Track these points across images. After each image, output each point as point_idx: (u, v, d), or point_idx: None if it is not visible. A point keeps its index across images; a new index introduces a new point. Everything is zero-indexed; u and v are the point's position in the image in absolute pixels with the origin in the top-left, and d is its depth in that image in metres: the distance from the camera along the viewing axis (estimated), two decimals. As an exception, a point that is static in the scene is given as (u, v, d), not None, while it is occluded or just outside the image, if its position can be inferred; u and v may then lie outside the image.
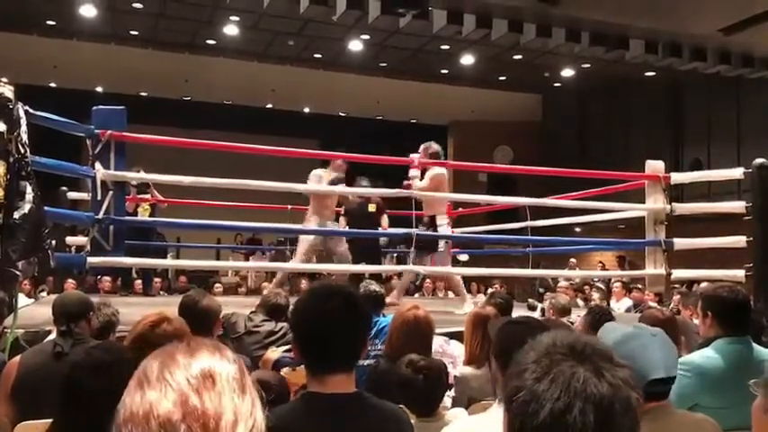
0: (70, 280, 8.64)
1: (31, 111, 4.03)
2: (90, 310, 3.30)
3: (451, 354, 3.80)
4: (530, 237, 8.32)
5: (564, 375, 0.95)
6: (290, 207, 9.14)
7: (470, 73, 16.25)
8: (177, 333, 2.69)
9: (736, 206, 6.30)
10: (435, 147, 6.75)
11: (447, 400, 3.09)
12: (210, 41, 14.83)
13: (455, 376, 3.37)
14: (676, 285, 8.41)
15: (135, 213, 8.03)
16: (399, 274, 7.72)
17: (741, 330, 3.07)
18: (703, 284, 7.06)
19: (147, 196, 8.33)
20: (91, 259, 5.07)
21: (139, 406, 0.82)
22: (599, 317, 3.75)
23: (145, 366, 0.88)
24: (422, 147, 6.73)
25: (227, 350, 0.91)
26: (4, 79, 4.09)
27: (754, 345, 2.98)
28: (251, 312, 4.19)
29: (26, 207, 3.69)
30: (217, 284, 11.00)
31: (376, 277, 7.28)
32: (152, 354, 0.90)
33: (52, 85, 16.67)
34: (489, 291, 9.31)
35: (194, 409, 0.81)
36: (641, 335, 2.08)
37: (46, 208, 4.02)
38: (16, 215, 3.64)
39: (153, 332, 2.62)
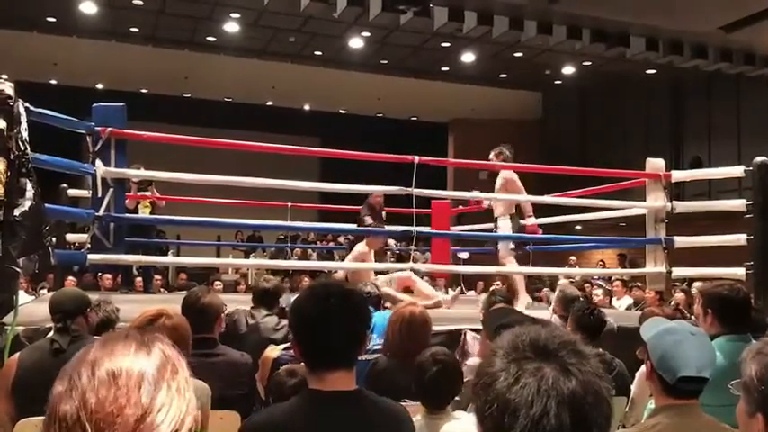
0: (70, 277, 8.64)
1: (31, 108, 4.03)
2: (87, 306, 3.29)
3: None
4: (530, 234, 8.30)
5: (533, 379, 0.94)
6: (289, 204, 9.14)
7: (471, 70, 16.24)
8: (176, 328, 2.70)
9: (737, 204, 6.29)
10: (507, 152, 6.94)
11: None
12: (211, 38, 14.82)
13: (467, 364, 3.37)
14: (677, 283, 8.40)
15: (136, 211, 8.02)
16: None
17: (742, 328, 3.07)
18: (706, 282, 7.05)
19: (148, 194, 8.32)
20: (91, 256, 5.06)
21: (50, 402, 0.83)
22: (581, 313, 3.74)
23: (65, 365, 0.87)
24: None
25: (151, 345, 0.89)
26: (5, 76, 4.09)
27: (754, 342, 2.97)
28: (251, 308, 4.19)
29: (26, 204, 3.69)
30: (217, 282, 10.99)
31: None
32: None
33: (52, 82, 16.68)
34: (490, 288, 9.29)
35: (89, 406, 0.80)
36: (678, 331, 2.09)
37: (46, 205, 4.02)
38: (17, 212, 3.64)
39: (152, 326, 2.62)
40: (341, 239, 15.33)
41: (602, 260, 15.64)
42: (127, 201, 7.54)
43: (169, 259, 10.74)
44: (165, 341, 0.91)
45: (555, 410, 0.91)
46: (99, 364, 0.84)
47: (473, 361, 3.41)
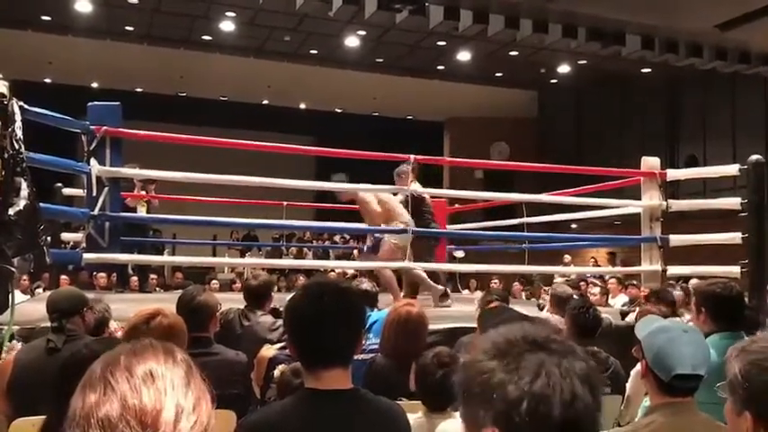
0: (63, 276, 8.62)
1: (25, 107, 4.02)
2: (83, 306, 3.29)
3: None
4: (526, 233, 8.32)
5: (551, 366, 0.96)
6: (285, 203, 9.13)
7: (467, 69, 16.24)
8: (172, 327, 2.69)
9: (732, 202, 6.31)
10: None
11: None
12: (206, 37, 14.80)
13: (461, 363, 3.36)
14: (672, 282, 8.42)
15: (136, 209, 8.01)
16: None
17: (735, 325, 3.08)
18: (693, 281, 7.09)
19: (143, 192, 8.32)
20: (86, 256, 5.05)
21: (82, 408, 0.85)
22: (576, 311, 3.75)
23: (89, 371, 0.90)
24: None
25: (175, 352, 0.94)
26: (-1, 75, 4.08)
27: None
28: (246, 307, 4.18)
29: (21, 203, 3.68)
30: (213, 281, 10.99)
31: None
32: (98, 359, 0.91)
33: (47, 80, 16.64)
34: (484, 289, 9.29)
35: (132, 407, 0.83)
36: (672, 329, 2.10)
37: (41, 204, 4.02)
38: (11, 211, 3.64)
39: (147, 325, 2.62)
40: (336, 238, 15.34)
41: (593, 257, 15.67)
42: (128, 199, 7.58)
43: (164, 258, 10.72)
44: (179, 349, 0.96)
45: (581, 390, 0.95)
46: (135, 369, 0.87)
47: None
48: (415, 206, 6.43)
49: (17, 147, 3.74)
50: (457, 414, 2.63)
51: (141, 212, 8.19)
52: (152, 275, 9.71)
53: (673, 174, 7.16)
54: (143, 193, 8.19)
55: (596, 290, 8.90)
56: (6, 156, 3.66)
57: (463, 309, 6.19)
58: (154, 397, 0.84)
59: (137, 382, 0.85)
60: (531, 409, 0.94)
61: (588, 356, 1.02)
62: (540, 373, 0.96)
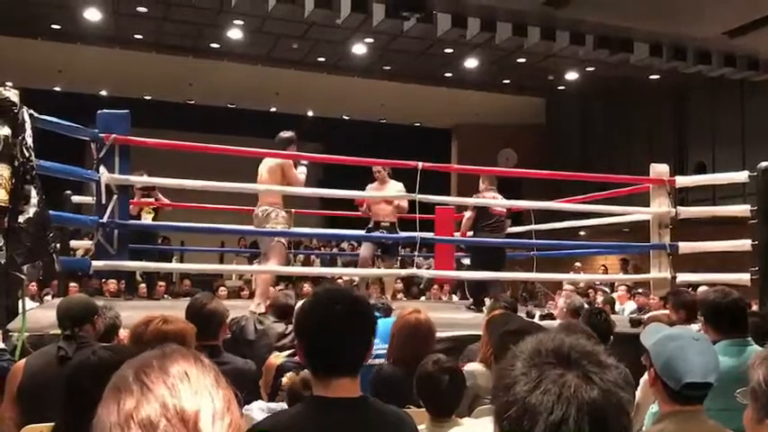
0: (72, 283, 8.64)
1: (35, 114, 4.05)
2: (94, 313, 3.30)
3: None
4: (534, 240, 8.30)
5: (554, 385, 0.93)
6: (293, 210, 9.13)
7: (474, 76, 16.25)
8: (182, 333, 2.69)
9: (741, 209, 6.29)
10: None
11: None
12: (214, 45, 14.86)
13: (465, 370, 3.36)
14: (682, 289, 8.39)
15: (138, 217, 8.02)
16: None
17: (738, 331, 3.06)
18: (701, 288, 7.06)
19: (151, 200, 8.33)
20: (95, 263, 5.08)
21: (117, 414, 0.83)
22: (590, 315, 3.74)
23: (119, 375, 0.88)
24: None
25: (202, 357, 0.94)
26: (9, 83, 4.11)
27: (755, 345, 2.97)
28: (260, 314, 4.19)
29: (31, 211, 3.70)
30: (221, 288, 11.00)
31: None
32: (125, 364, 0.90)
33: (57, 88, 16.73)
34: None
35: (172, 408, 0.82)
36: (681, 337, 2.08)
37: (50, 212, 4.03)
38: (21, 219, 3.66)
39: (160, 330, 2.62)
40: (344, 245, 15.34)
41: (603, 265, 15.62)
42: (130, 207, 7.60)
43: (172, 265, 10.74)
44: (204, 355, 0.96)
45: (575, 417, 0.91)
46: (169, 369, 0.87)
47: (471, 366, 3.40)
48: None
49: (27, 155, 3.77)
50: (463, 421, 2.64)
51: (147, 219, 8.21)
52: (160, 283, 9.73)
53: (682, 181, 7.15)
54: (150, 200, 8.21)
55: (600, 299, 8.88)
56: (16, 164, 3.69)
57: (471, 316, 6.19)
58: (192, 397, 0.84)
59: (174, 381, 0.85)
60: (518, 416, 0.93)
61: (619, 388, 0.95)
62: (540, 387, 0.93)
